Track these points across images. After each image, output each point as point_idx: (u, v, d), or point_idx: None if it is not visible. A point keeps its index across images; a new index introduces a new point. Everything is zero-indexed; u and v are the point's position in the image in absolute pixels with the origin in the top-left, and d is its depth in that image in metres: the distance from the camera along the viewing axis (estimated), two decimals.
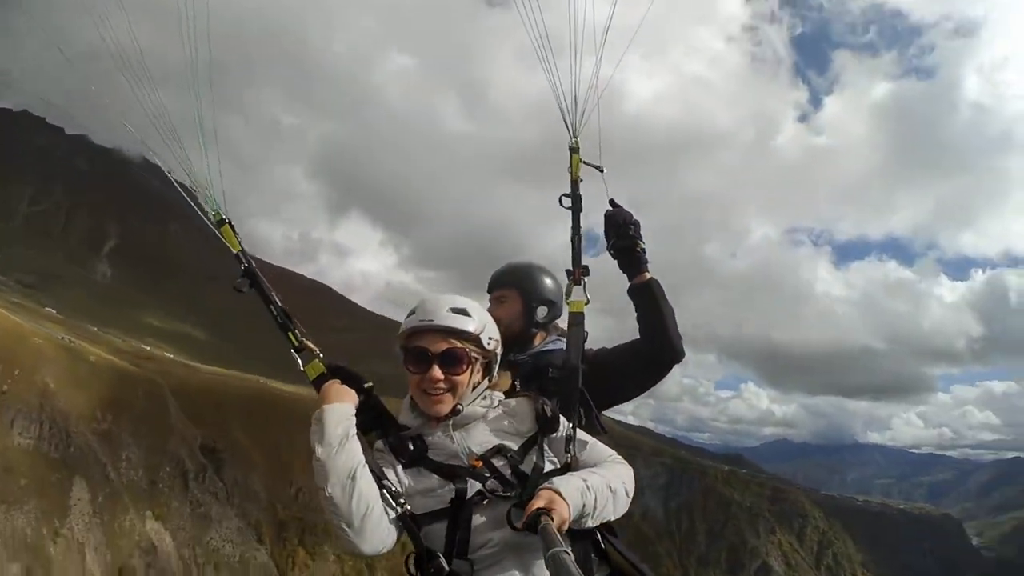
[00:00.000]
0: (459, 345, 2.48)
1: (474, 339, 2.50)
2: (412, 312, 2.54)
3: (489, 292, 3.37)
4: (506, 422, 2.56)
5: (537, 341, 3.32)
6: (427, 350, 2.47)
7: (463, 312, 2.51)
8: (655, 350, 3.09)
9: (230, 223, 2.87)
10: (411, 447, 2.49)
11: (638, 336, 3.14)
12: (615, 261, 3.17)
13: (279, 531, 63.84)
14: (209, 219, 2.90)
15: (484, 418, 2.56)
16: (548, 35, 3.09)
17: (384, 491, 2.33)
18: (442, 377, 2.46)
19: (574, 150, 3.18)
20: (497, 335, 2.61)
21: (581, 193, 3.18)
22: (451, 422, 2.51)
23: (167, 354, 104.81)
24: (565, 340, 3.20)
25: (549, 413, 2.54)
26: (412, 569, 2.36)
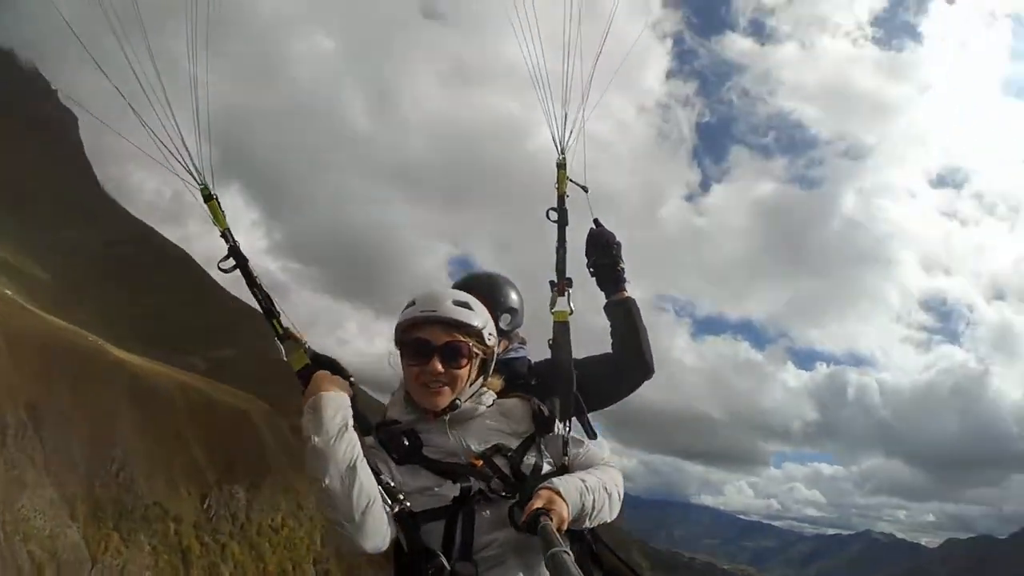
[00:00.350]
0: (461, 338, 2.43)
1: (476, 333, 2.46)
2: (412, 304, 2.48)
3: None
4: (502, 422, 2.52)
5: (500, 349, 3.19)
6: (429, 341, 2.41)
7: (466, 305, 2.48)
8: (629, 366, 3.18)
9: (216, 198, 2.71)
10: (405, 443, 2.41)
11: (611, 351, 3.24)
12: (594, 278, 3.29)
13: (94, 509, 58.13)
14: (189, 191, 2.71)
15: (481, 416, 2.51)
16: (543, 50, 3.18)
17: (381, 487, 2.24)
18: (442, 370, 2.40)
19: (561, 166, 3.22)
20: (495, 332, 2.58)
21: (567, 208, 3.21)
22: (448, 418, 2.45)
23: (7, 291, 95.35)
24: (526, 348, 3.33)
25: (546, 413, 2.53)
26: (403, 573, 2.31)
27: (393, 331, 2.54)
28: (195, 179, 2.71)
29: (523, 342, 3.38)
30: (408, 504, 2.26)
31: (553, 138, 3.23)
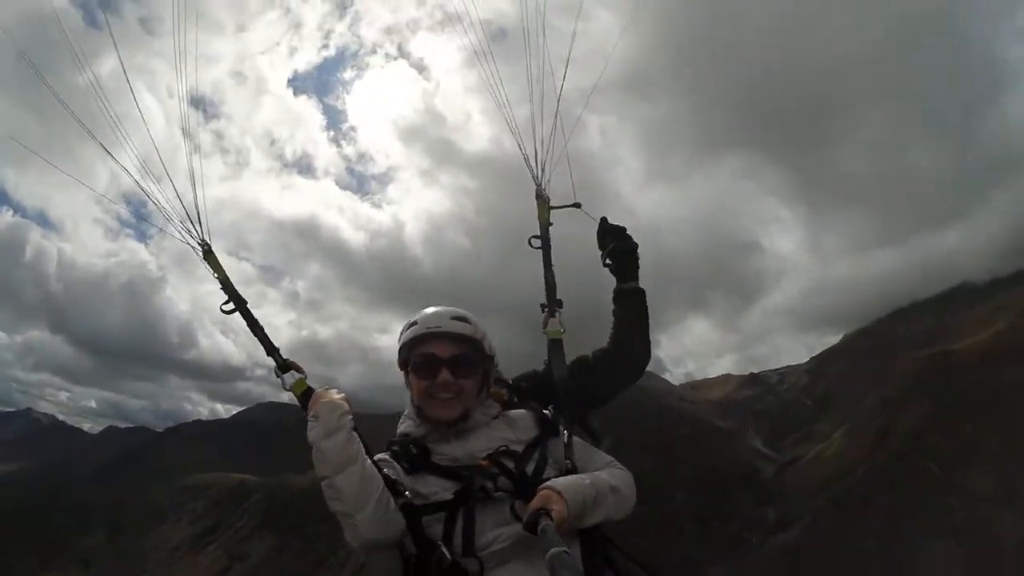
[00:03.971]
0: (466, 350, 2.57)
1: (477, 344, 2.59)
2: (413, 324, 2.61)
3: None
4: (508, 431, 2.60)
5: None
6: (435, 355, 2.55)
7: (464, 319, 2.60)
8: (634, 354, 3.12)
9: (213, 252, 2.92)
10: (414, 451, 2.53)
11: (609, 342, 3.13)
12: (608, 267, 3.20)
13: None
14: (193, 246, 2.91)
15: (487, 427, 2.60)
16: (505, 91, 3.26)
17: (384, 481, 2.33)
18: (452, 380, 2.53)
19: (540, 198, 3.27)
20: (492, 344, 2.70)
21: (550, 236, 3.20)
22: (453, 430, 2.56)
23: None
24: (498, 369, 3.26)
25: (551, 417, 2.63)
26: (413, 571, 2.32)
27: (397, 352, 2.68)
28: (194, 237, 2.90)
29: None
30: (409, 495, 2.35)
31: (531, 173, 3.27)
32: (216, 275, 2.86)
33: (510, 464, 2.46)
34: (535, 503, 2.16)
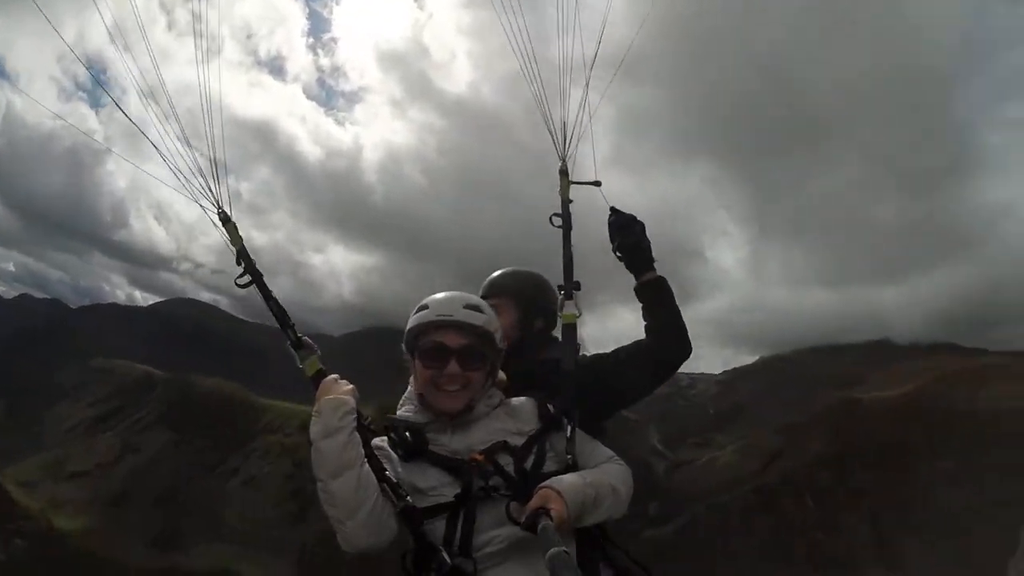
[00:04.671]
0: (476, 342, 2.48)
1: (489, 336, 2.51)
2: (424, 308, 2.52)
3: (484, 299, 3.07)
4: (508, 421, 2.54)
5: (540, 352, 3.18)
6: (446, 345, 2.46)
7: (478, 309, 2.52)
8: (670, 347, 3.01)
9: (233, 221, 2.81)
10: (409, 438, 2.45)
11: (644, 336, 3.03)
12: (621, 262, 3.09)
13: None
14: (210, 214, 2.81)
15: (487, 417, 2.54)
16: (537, 62, 3.13)
17: (385, 484, 2.27)
18: (460, 372, 2.45)
19: (564, 173, 3.17)
20: (502, 337, 2.61)
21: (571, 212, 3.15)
22: (454, 422, 2.49)
23: None
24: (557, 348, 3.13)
25: (553, 412, 2.57)
26: (410, 567, 2.28)
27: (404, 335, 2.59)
28: (213, 203, 2.79)
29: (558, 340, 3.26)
30: (410, 500, 2.28)
31: (555, 145, 3.18)
32: (233, 245, 2.76)
33: (507, 461, 2.42)
34: (534, 503, 2.16)
